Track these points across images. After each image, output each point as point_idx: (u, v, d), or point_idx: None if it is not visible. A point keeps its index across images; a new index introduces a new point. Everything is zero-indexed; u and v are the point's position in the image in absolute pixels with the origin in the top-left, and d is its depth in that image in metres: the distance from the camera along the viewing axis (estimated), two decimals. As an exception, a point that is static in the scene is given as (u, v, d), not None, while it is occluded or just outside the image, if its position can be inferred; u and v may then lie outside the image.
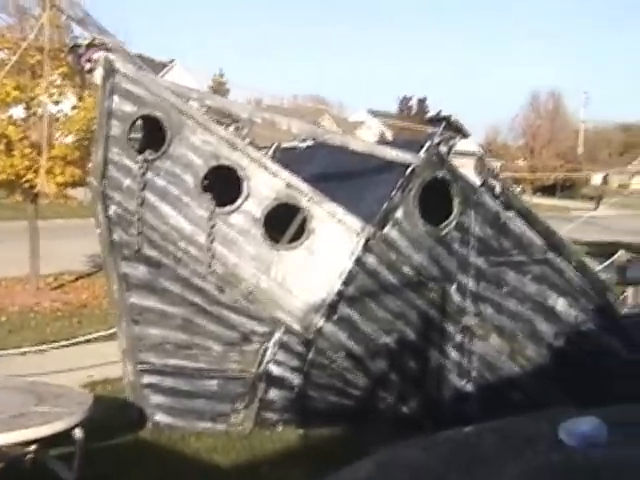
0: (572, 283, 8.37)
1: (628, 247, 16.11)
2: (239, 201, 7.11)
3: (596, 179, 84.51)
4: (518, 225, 8.07)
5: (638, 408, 6.49)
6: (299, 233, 7.37)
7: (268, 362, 7.40)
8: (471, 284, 7.93)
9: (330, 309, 7.30)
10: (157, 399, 7.45)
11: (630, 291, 11.97)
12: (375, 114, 74.97)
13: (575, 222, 17.11)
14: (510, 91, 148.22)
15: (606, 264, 13.17)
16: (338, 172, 8.16)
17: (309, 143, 9.43)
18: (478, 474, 4.51)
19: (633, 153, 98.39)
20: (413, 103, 71.96)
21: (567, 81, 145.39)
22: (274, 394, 7.55)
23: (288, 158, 8.60)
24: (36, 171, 12.74)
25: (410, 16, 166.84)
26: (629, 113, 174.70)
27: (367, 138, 9.85)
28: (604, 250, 17.28)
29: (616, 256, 12.67)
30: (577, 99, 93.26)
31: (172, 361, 7.36)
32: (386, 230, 7.43)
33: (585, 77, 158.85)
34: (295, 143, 10.00)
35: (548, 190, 71.13)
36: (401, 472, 4.63)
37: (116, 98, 6.84)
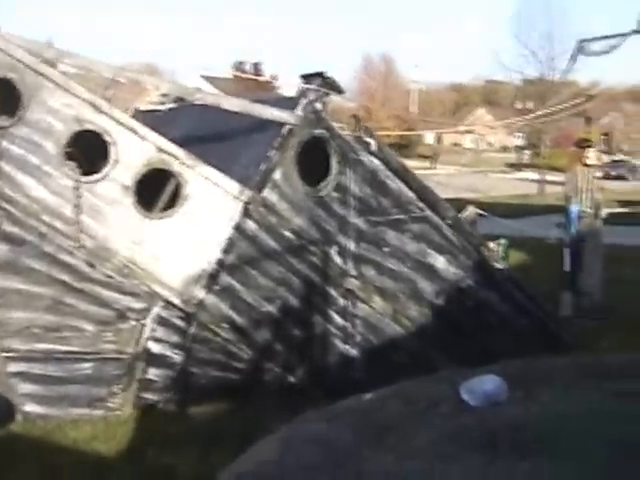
0: (449, 240, 8.26)
1: (470, 203, 16.36)
2: (106, 168, 6.56)
3: (429, 138, 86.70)
4: (396, 183, 7.87)
5: (531, 363, 6.45)
6: (174, 200, 6.91)
7: (147, 340, 6.91)
8: (352, 246, 7.68)
9: (211, 279, 6.90)
10: (26, 388, 6.81)
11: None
12: (209, 80, 74.01)
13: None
14: (344, 55, 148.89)
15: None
16: (208, 134, 7.73)
17: (171, 105, 8.93)
18: (389, 443, 4.29)
19: (465, 111, 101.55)
20: (247, 68, 71.56)
21: (398, 43, 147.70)
22: (154, 373, 7.07)
23: (149, 122, 8.06)
24: None
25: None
26: (459, 73, 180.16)
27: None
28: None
29: (466, 212, 12.72)
30: (409, 60, 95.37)
31: (40, 346, 6.73)
32: (265, 193, 7.08)
33: (415, 39, 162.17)
34: (154, 106, 9.48)
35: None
36: (310, 448, 4.34)
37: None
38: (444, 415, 4.74)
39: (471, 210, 12.23)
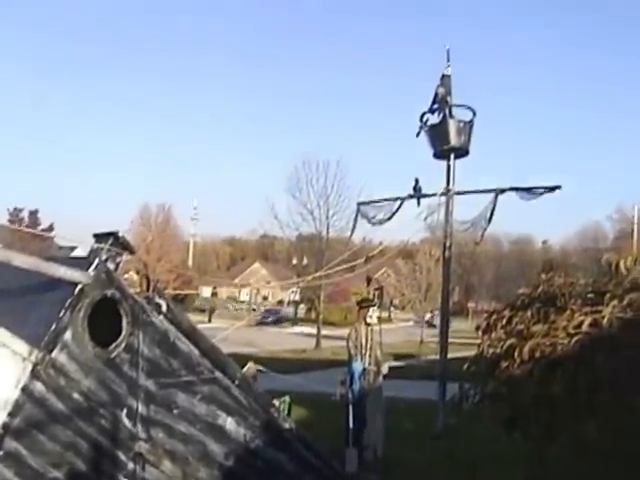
0: (239, 401, 8.32)
1: (249, 358, 16.57)
2: None
3: (206, 292, 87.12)
4: (186, 344, 7.90)
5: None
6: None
7: None
8: (141, 408, 7.56)
9: (-5, 445, 6.55)
10: None
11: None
12: (-19, 228, 71.65)
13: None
14: (121, 204, 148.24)
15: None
16: (-4, 291, 7.49)
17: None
18: None
19: (240, 265, 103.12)
20: (25, 215, 69.99)
21: (176, 194, 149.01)
22: None
23: None
24: None
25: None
26: (235, 226, 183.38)
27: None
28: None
29: (246, 368, 12.86)
30: (187, 212, 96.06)
31: None
32: (54, 354, 6.88)
33: (193, 190, 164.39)
34: None
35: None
36: None
37: None
38: None
39: (251, 366, 12.38)
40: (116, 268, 7.46)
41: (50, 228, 66.79)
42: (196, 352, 7.98)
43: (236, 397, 8.29)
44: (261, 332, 55.46)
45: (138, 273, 8.10)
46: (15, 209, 70.70)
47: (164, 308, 7.74)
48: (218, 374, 8.16)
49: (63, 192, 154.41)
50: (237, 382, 8.33)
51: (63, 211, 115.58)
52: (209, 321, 64.25)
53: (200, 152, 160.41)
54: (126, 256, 7.63)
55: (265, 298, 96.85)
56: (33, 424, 6.79)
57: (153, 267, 69.83)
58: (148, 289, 7.75)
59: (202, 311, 74.67)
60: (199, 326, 8.74)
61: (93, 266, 7.18)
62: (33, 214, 70.41)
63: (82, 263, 7.28)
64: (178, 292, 56.84)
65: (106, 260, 7.33)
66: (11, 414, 6.62)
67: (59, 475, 6.99)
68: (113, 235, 7.50)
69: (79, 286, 7.05)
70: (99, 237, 7.53)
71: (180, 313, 8.29)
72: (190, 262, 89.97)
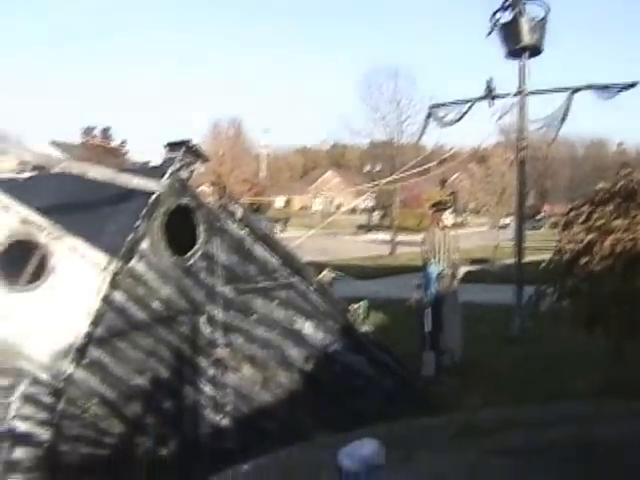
0: (316, 305, 8.36)
1: (324, 266, 16.61)
2: (-33, 241, 6.35)
3: (280, 202, 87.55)
4: (261, 251, 7.93)
5: (404, 424, 6.57)
6: (39, 272, 6.72)
7: (12, 418, 6.63)
8: (220, 314, 7.65)
9: (79, 353, 6.70)
10: None
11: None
12: (58, 145, 72.72)
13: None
14: (192, 119, 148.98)
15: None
16: (72, 204, 7.55)
17: (29, 174, 8.71)
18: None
19: (313, 174, 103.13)
20: (97, 133, 70.69)
21: (247, 106, 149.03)
22: (20, 453, 6.76)
23: (7, 191, 7.86)
24: None
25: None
26: (306, 136, 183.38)
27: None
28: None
29: (322, 275, 12.89)
30: (258, 124, 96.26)
31: None
32: (132, 263, 6.98)
33: (264, 102, 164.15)
34: (9, 175, 9.21)
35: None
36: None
37: None
38: (322, 482, 4.77)
39: (327, 273, 12.41)
40: (189, 176, 7.47)
41: (122, 145, 67.43)
42: (272, 258, 8.02)
43: (313, 302, 8.33)
44: (335, 240, 55.52)
45: (213, 185, 8.12)
46: (88, 128, 71.49)
47: (239, 215, 7.76)
48: (295, 279, 8.20)
49: (135, 110, 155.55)
50: (314, 287, 8.37)
51: (135, 129, 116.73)
52: (282, 231, 64.54)
53: (268, 63, 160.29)
54: (199, 164, 7.62)
55: (339, 206, 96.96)
56: (115, 333, 6.94)
57: (226, 179, 70.53)
58: (222, 197, 7.74)
59: (276, 221, 75.05)
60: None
61: (167, 175, 7.20)
62: (105, 131, 71.07)
63: (156, 173, 7.30)
64: (253, 200, 57.29)
65: (179, 169, 7.33)
66: (93, 323, 6.76)
67: (142, 381, 7.15)
68: (185, 144, 7.48)
69: (154, 195, 7.09)
70: (171, 146, 7.53)
71: (255, 220, 8.31)
72: (263, 173, 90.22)
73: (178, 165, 7.32)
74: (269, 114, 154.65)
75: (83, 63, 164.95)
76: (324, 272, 11.95)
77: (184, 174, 7.37)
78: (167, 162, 7.42)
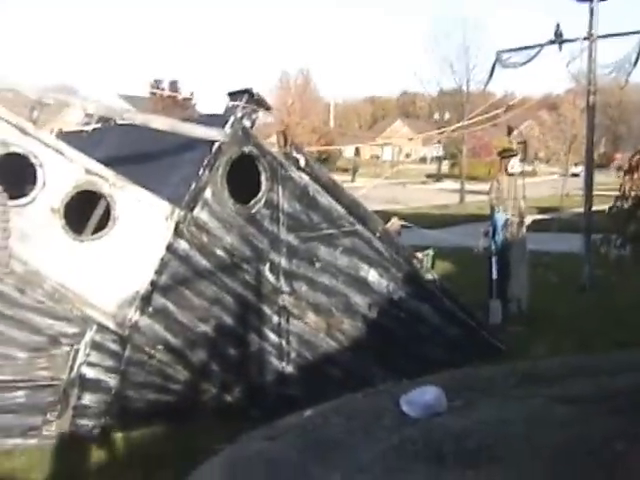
0: (380, 253, 8.32)
1: (393, 215, 16.57)
2: (34, 192, 6.42)
3: (349, 151, 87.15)
4: (326, 198, 7.90)
5: (468, 372, 6.53)
6: (104, 222, 6.81)
7: (80, 365, 6.77)
8: (284, 262, 7.68)
9: (144, 301, 6.81)
10: None
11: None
12: (127, 98, 73.33)
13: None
14: (260, 70, 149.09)
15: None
16: (136, 154, 7.65)
17: (95, 125, 8.80)
18: (334, 459, 4.30)
19: (382, 124, 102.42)
20: (165, 85, 70.98)
21: (315, 56, 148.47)
22: (89, 399, 6.93)
23: (74, 143, 7.95)
24: None
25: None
26: (375, 85, 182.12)
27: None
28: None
29: (390, 223, 12.83)
30: (326, 74, 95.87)
31: None
32: (196, 212, 7.03)
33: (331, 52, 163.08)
34: (78, 127, 9.34)
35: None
36: (256, 467, 4.34)
37: None
38: (387, 428, 4.76)
39: (395, 221, 12.35)
40: (252, 125, 7.46)
41: (190, 96, 67.60)
42: (336, 206, 7.99)
43: (378, 249, 8.29)
44: (405, 189, 55.21)
45: (278, 135, 8.08)
46: (156, 81, 71.81)
47: (302, 163, 7.73)
48: (359, 227, 8.17)
49: (204, 62, 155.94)
50: (378, 234, 8.32)
51: (201, 80, 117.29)
52: (352, 180, 64.36)
53: (334, 12, 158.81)
54: (262, 113, 7.60)
55: (408, 156, 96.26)
56: (179, 281, 7.02)
57: (295, 129, 70.47)
58: (286, 145, 7.71)
59: (345, 170, 74.79)
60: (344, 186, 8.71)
61: (229, 124, 7.20)
62: (173, 84, 71.28)
63: (218, 122, 7.30)
64: (321, 149, 57.16)
65: (242, 117, 7.32)
66: (158, 272, 6.84)
67: (207, 329, 7.23)
68: (247, 92, 7.46)
69: (216, 144, 7.09)
70: (233, 95, 7.52)
71: (319, 168, 8.29)
72: (332, 123, 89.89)
73: (240, 114, 7.31)
74: (338, 64, 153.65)
75: (153, 15, 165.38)
76: (392, 220, 11.90)
77: (247, 122, 7.36)
78: (229, 111, 7.42)
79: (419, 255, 10.39)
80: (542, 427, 4.42)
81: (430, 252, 11.93)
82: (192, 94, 69.35)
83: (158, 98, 61.39)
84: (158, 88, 69.82)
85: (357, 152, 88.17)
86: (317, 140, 67.59)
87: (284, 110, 70.93)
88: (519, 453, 4.05)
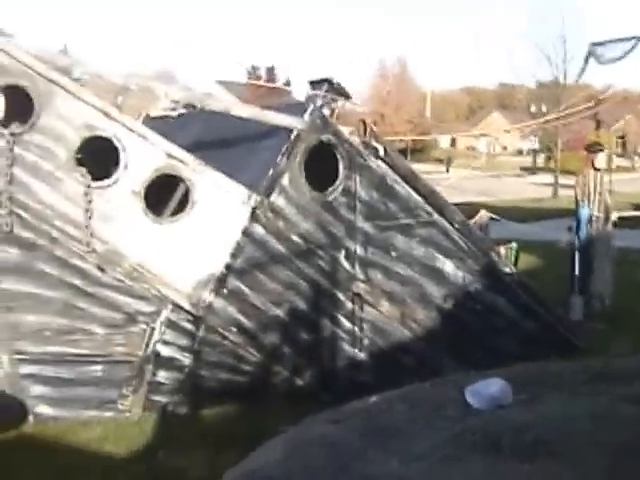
0: (457, 244, 8.31)
1: (483, 207, 16.45)
2: (116, 174, 6.63)
3: (444, 142, 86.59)
4: (404, 188, 7.93)
5: (538, 366, 6.48)
6: (183, 205, 6.98)
7: (156, 343, 6.98)
8: (359, 250, 7.74)
9: (219, 283, 6.96)
10: (37, 390, 6.90)
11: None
12: (224, 84, 74.15)
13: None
14: (358, 60, 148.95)
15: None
16: (217, 140, 7.81)
17: (181, 111, 9.00)
18: (394, 446, 4.34)
19: (479, 115, 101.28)
20: (262, 72, 71.69)
21: (413, 47, 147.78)
22: (163, 376, 7.14)
23: (159, 128, 8.15)
24: None
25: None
26: (472, 76, 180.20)
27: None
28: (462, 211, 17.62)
29: (478, 216, 12.74)
30: (424, 64, 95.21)
31: (52, 348, 6.81)
32: (273, 198, 7.14)
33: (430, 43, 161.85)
34: (164, 112, 9.55)
35: (400, 154, 72.05)
36: (315, 450, 4.40)
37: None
38: (449, 418, 4.78)
39: (483, 214, 12.30)
40: (332, 114, 7.54)
41: (287, 84, 68.10)
42: (414, 195, 8.01)
43: (455, 240, 8.29)
44: (499, 182, 54.66)
45: (375, 124, 8.13)
46: (253, 67, 72.72)
47: (381, 152, 7.77)
48: (437, 217, 8.17)
49: (301, 51, 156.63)
50: (456, 226, 8.31)
51: (300, 68, 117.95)
52: (447, 171, 63.89)
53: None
54: (342, 101, 7.68)
55: (504, 148, 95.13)
56: (254, 265, 7.15)
57: (390, 119, 70.26)
58: (365, 134, 7.76)
59: (440, 161, 74.32)
60: (436, 176, 8.71)
61: (308, 112, 7.29)
62: (270, 71, 72.04)
63: (298, 110, 7.40)
64: (416, 138, 56.86)
65: (321, 106, 7.41)
66: (233, 255, 6.99)
67: (280, 313, 7.35)
68: (328, 81, 7.54)
69: (295, 132, 7.19)
70: (314, 84, 7.61)
71: (398, 157, 8.32)
72: (428, 113, 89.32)
73: (320, 102, 7.40)
74: (435, 53, 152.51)
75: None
76: (480, 213, 11.84)
77: (326, 111, 7.44)
78: (309, 99, 7.52)
79: (502, 248, 10.33)
80: (606, 425, 4.38)
81: (513, 245, 11.85)
82: (288, 81, 69.86)
83: (254, 85, 62.03)
84: (255, 74, 70.63)
85: (453, 143, 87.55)
86: (412, 130, 67.25)
87: (379, 100, 70.85)
88: (578, 449, 4.03)
